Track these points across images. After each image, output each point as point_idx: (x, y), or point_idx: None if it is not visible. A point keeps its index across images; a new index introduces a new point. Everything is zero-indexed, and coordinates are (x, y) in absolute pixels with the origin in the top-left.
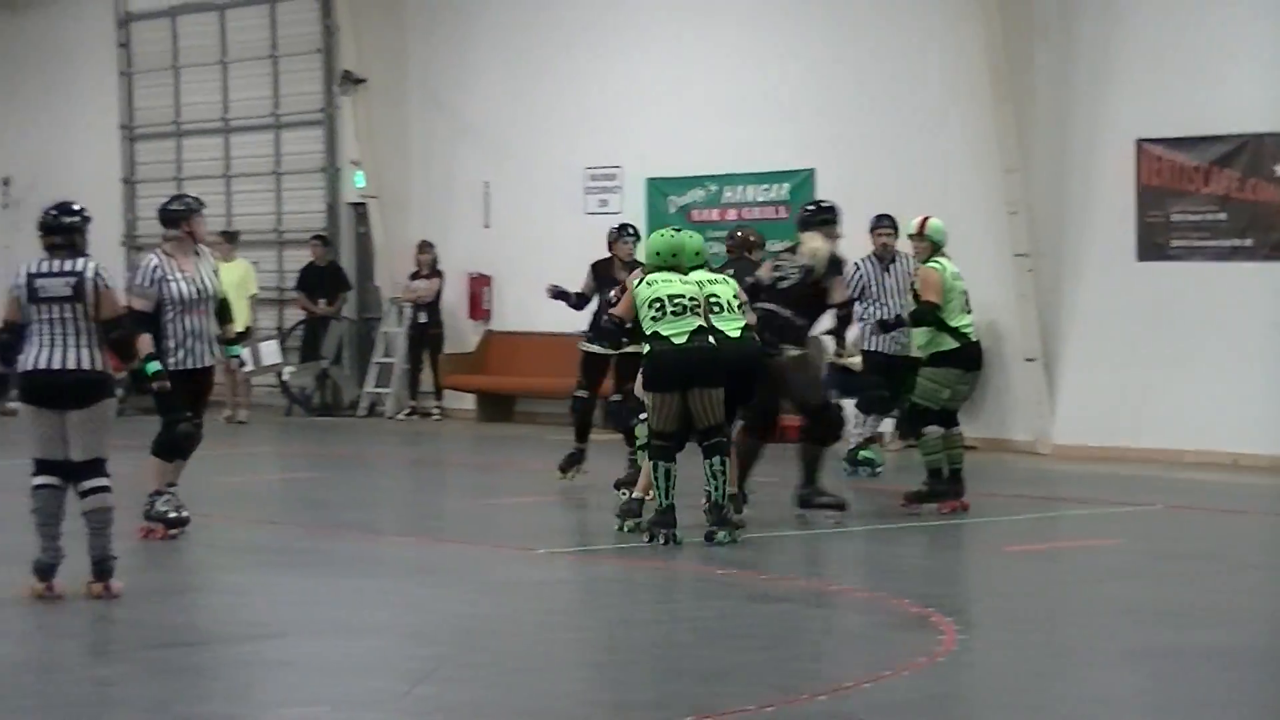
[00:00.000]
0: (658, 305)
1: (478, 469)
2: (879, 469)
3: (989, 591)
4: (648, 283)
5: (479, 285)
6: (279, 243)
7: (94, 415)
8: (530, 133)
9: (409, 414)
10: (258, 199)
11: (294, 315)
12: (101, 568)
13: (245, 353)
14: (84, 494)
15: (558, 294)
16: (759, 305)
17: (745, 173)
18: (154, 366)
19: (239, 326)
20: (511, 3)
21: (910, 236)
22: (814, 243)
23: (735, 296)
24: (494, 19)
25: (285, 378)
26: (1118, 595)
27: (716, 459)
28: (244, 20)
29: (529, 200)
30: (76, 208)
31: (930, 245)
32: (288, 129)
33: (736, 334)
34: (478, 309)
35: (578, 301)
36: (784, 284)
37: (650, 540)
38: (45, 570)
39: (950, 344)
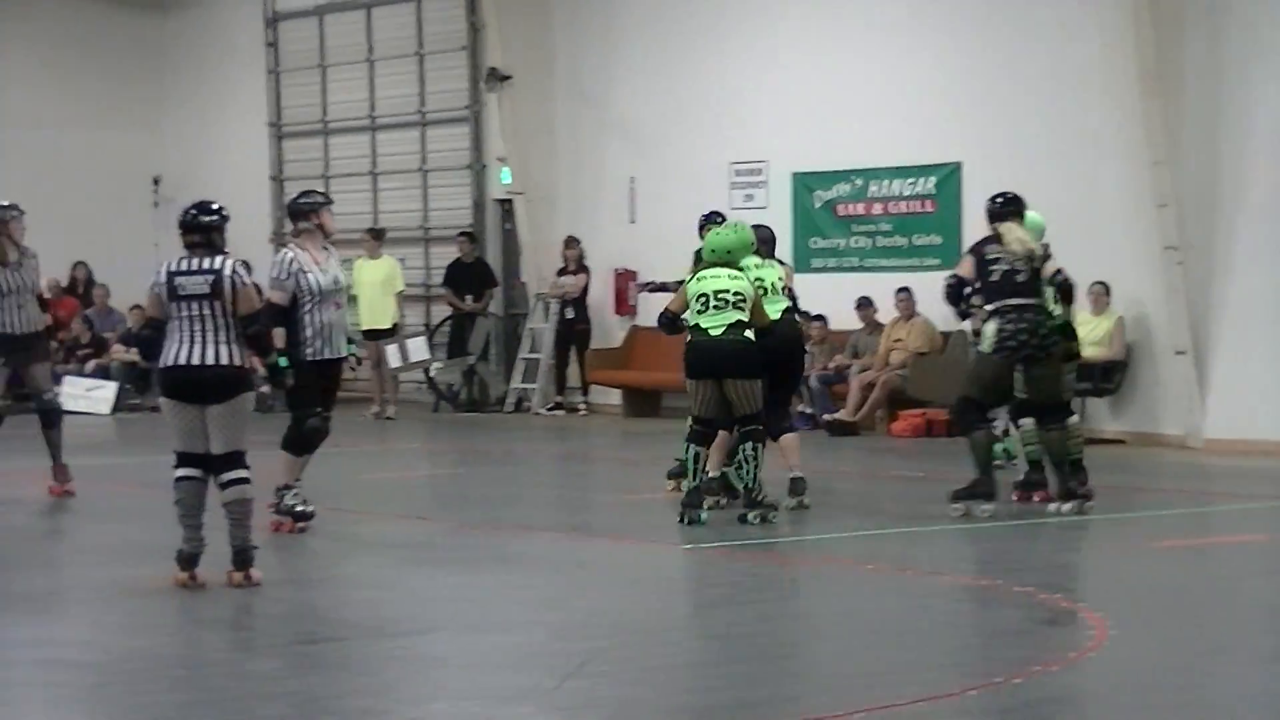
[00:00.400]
0: (702, 300)
1: (624, 464)
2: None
3: (1140, 587)
4: (698, 278)
5: (624, 281)
6: (425, 239)
7: (233, 409)
8: (676, 128)
9: (553, 409)
10: (404, 196)
11: (441, 311)
12: (242, 557)
13: (393, 349)
14: (224, 485)
15: (657, 287)
16: (1008, 304)
17: (891, 167)
18: (283, 361)
19: (386, 323)
20: None
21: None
22: (1016, 232)
23: (780, 279)
24: (640, 14)
25: (432, 374)
26: (1270, 592)
27: (749, 445)
28: (390, 18)
29: (674, 195)
30: (215, 207)
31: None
32: (434, 126)
33: (776, 315)
34: (624, 304)
35: (678, 288)
36: (1020, 278)
37: (680, 520)
38: (188, 560)
39: None
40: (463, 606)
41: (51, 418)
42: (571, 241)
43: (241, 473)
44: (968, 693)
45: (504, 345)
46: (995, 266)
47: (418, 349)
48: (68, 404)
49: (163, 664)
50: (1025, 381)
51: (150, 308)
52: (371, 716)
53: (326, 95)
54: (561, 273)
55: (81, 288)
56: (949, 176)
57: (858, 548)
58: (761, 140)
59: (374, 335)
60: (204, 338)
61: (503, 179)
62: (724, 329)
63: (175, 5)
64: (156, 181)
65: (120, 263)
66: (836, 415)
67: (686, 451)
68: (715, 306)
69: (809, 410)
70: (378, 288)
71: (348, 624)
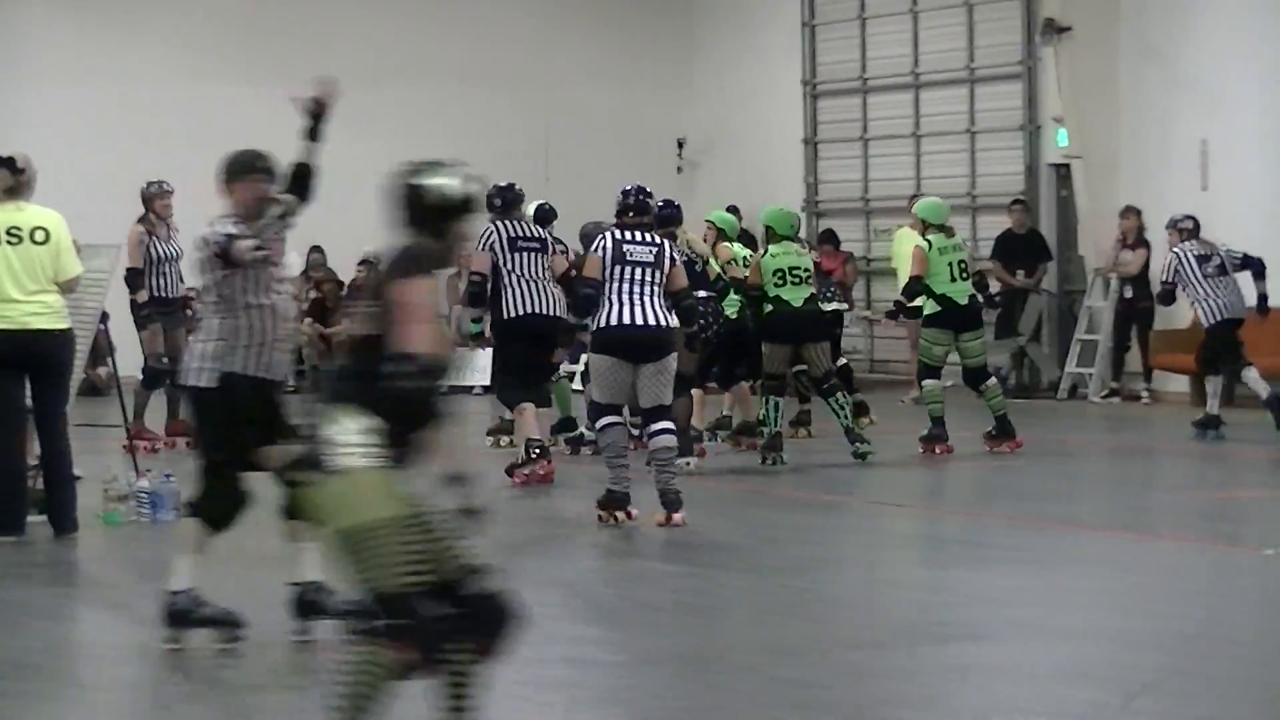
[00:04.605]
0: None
1: (1193, 457)
2: None
3: None
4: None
5: None
6: (973, 208)
7: (663, 367)
8: (1254, 86)
9: (1108, 396)
10: (949, 160)
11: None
12: (667, 499)
13: None
14: (652, 435)
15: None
16: (699, 294)
17: None
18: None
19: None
20: None
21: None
22: (690, 234)
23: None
24: None
25: None
26: None
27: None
28: None
29: (1253, 160)
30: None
31: (922, 223)
32: (983, 83)
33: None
34: None
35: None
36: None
37: (763, 462)
38: (622, 499)
39: (936, 308)
40: (1017, 610)
41: (159, 379)
42: (1129, 211)
43: (667, 424)
44: None
45: (1057, 325)
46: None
47: None
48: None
49: (692, 665)
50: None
51: (590, 270)
52: None
53: (866, 50)
54: (1122, 246)
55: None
56: None
57: None
58: None
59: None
60: (644, 301)
61: (1059, 141)
62: (802, 301)
63: None
64: (681, 144)
65: None
66: None
67: (766, 403)
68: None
69: None
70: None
71: (895, 629)
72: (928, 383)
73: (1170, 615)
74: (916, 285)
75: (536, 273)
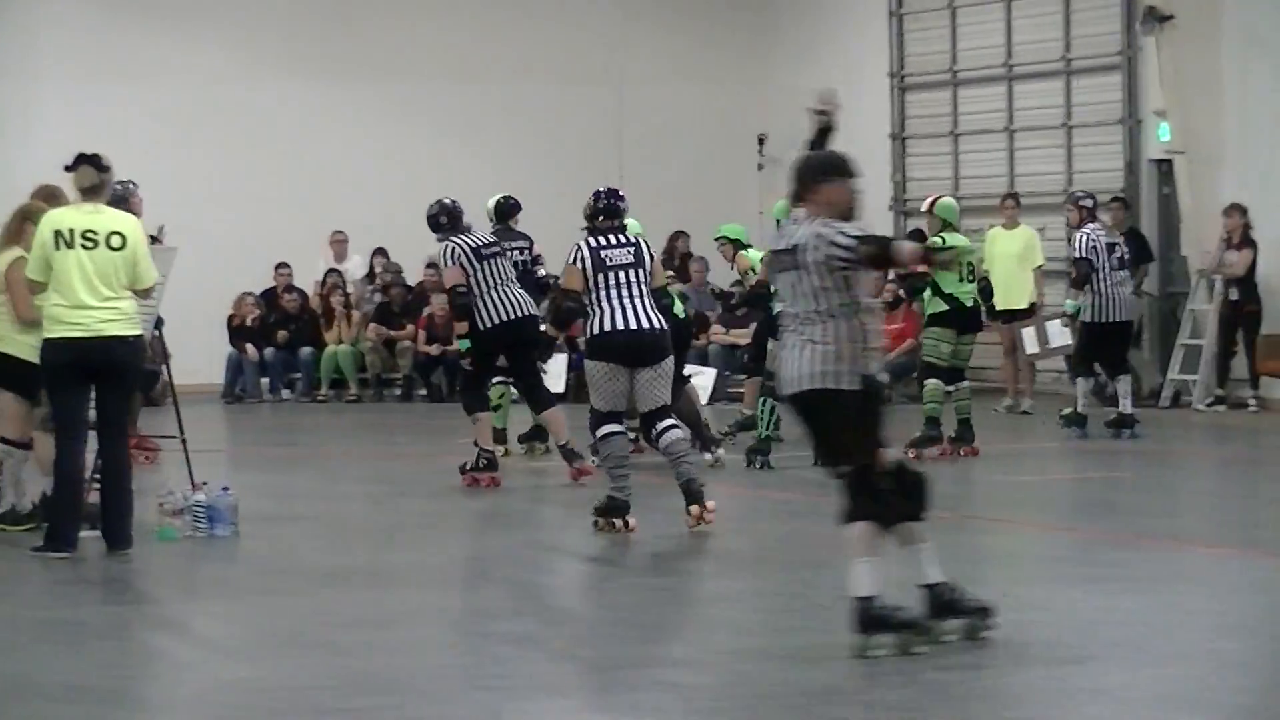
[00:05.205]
0: None
1: None
2: None
3: None
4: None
5: None
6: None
7: (662, 371)
8: None
9: (1213, 404)
10: (1045, 155)
11: None
12: (691, 491)
13: (1029, 333)
14: (659, 435)
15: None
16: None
17: None
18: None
19: (1023, 303)
20: None
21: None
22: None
23: None
24: None
25: None
26: None
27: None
28: None
29: None
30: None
31: (940, 222)
32: (1080, 75)
33: None
34: None
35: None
36: None
37: (748, 465)
38: (621, 508)
39: (942, 307)
40: (1120, 631)
41: (151, 381)
42: (1234, 210)
43: (670, 420)
44: None
45: (1159, 330)
46: None
47: (1058, 333)
48: None
49: (776, 690)
50: None
51: (570, 281)
52: None
53: (956, 41)
54: (1226, 246)
55: (678, 260)
56: None
57: None
58: None
59: (1009, 316)
60: (635, 304)
61: (1160, 136)
62: None
63: None
64: (762, 140)
65: None
66: None
67: (762, 405)
68: None
69: None
70: (1013, 261)
71: (986, 648)
72: (930, 382)
73: (1277, 637)
74: (920, 283)
75: (504, 276)
